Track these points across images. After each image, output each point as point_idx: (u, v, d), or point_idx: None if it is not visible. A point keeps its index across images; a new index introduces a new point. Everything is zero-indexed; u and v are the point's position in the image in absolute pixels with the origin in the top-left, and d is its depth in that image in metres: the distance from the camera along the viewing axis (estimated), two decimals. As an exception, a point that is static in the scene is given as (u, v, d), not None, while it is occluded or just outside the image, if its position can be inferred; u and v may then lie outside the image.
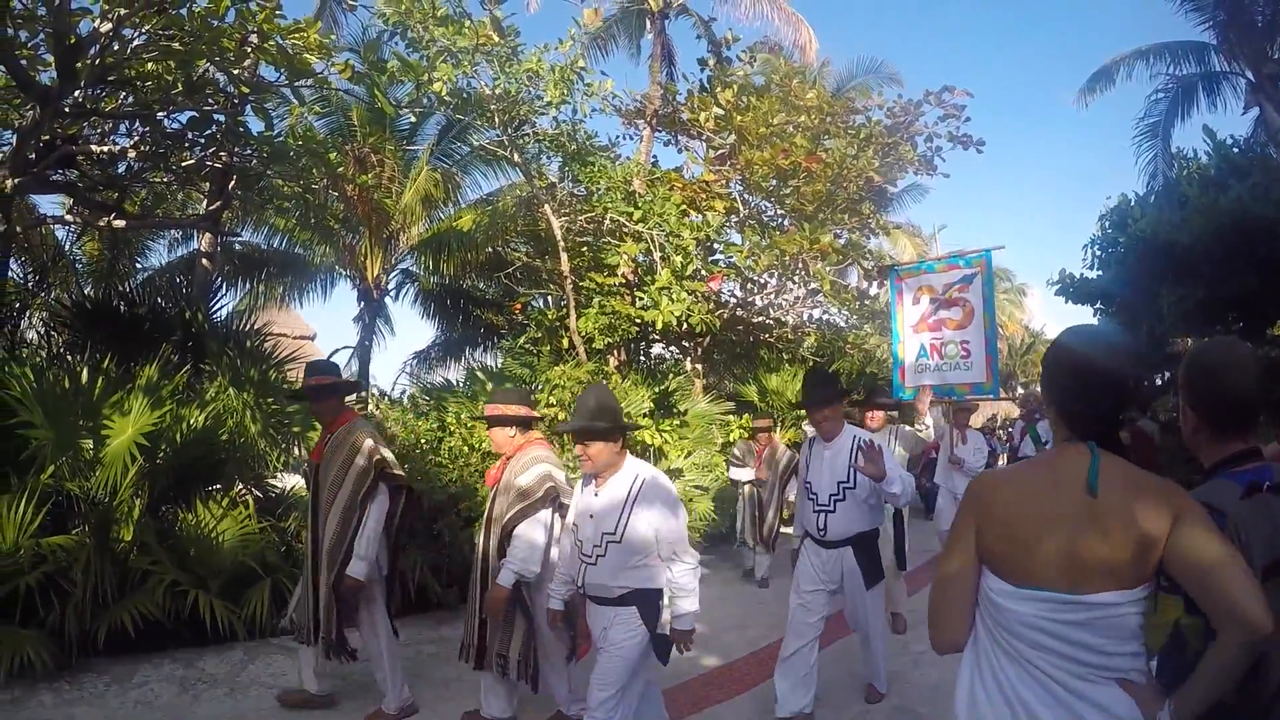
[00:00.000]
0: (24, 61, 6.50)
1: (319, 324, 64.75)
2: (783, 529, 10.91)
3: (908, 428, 8.89)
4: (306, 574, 5.49)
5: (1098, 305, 13.99)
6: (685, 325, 12.33)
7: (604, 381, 11.46)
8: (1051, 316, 65.80)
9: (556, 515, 5.21)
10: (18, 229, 8.71)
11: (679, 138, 15.89)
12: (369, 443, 5.36)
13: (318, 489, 5.43)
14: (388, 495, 5.40)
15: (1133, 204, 12.37)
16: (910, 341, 9.49)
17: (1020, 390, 41.46)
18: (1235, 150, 11.05)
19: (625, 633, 4.25)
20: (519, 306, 15.56)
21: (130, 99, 7.98)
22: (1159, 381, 14.99)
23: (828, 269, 14.62)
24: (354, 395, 6.64)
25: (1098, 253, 13.12)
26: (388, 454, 5.46)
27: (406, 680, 5.69)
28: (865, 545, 5.78)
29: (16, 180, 6.87)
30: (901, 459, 7.87)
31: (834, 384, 6.14)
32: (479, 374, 12.19)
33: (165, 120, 8.08)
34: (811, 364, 14.26)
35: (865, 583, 5.73)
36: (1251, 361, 2.39)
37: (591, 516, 4.35)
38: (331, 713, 5.64)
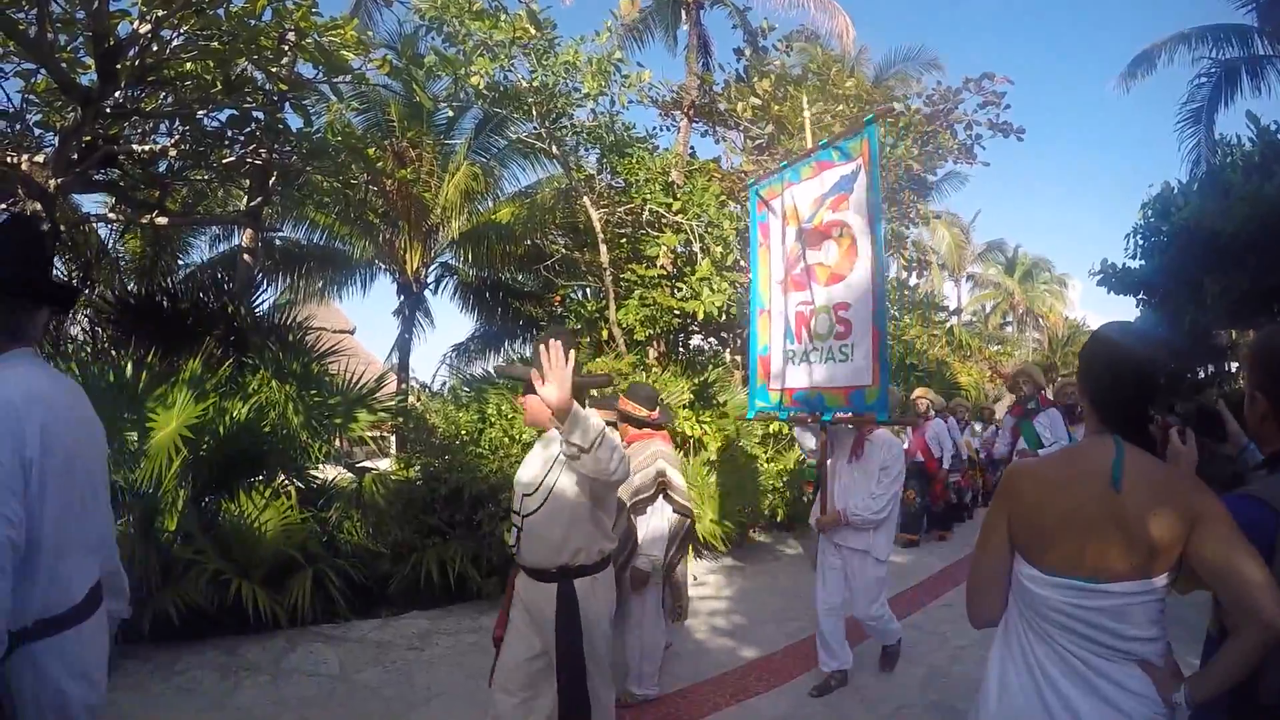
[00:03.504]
0: (65, 64, 6.60)
1: (359, 318, 65.28)
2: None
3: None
4: None
5: (1140, 295, 13.82)
6: (726, 316, 12.31)
7: (643, 373, 11.47)
8: (1093, 307, 65.22)
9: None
10: (61, 228, 8.84)
11: (716, 128, 15.88)
12: None
13: None
14: None
15: (1175, 192, 12.21)
16: (776, 309, 6.52)
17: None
18: (1280, 136, 10.86)
19: None
20: (558, 298, 15.59)
21: (170, 99, 8.09)
22: (1201, 375, 14.77)
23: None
24: None
25: (1140, 242, 12.96)
26: None
27: None
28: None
29: (60, 180, 6.99)
30: (573, 496, 3.83)
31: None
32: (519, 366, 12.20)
33: (205, 119, 8.20)
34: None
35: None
36: None
37: None
38: None
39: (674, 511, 5.63)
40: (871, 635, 6.41)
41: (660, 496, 5.54)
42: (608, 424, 3.71)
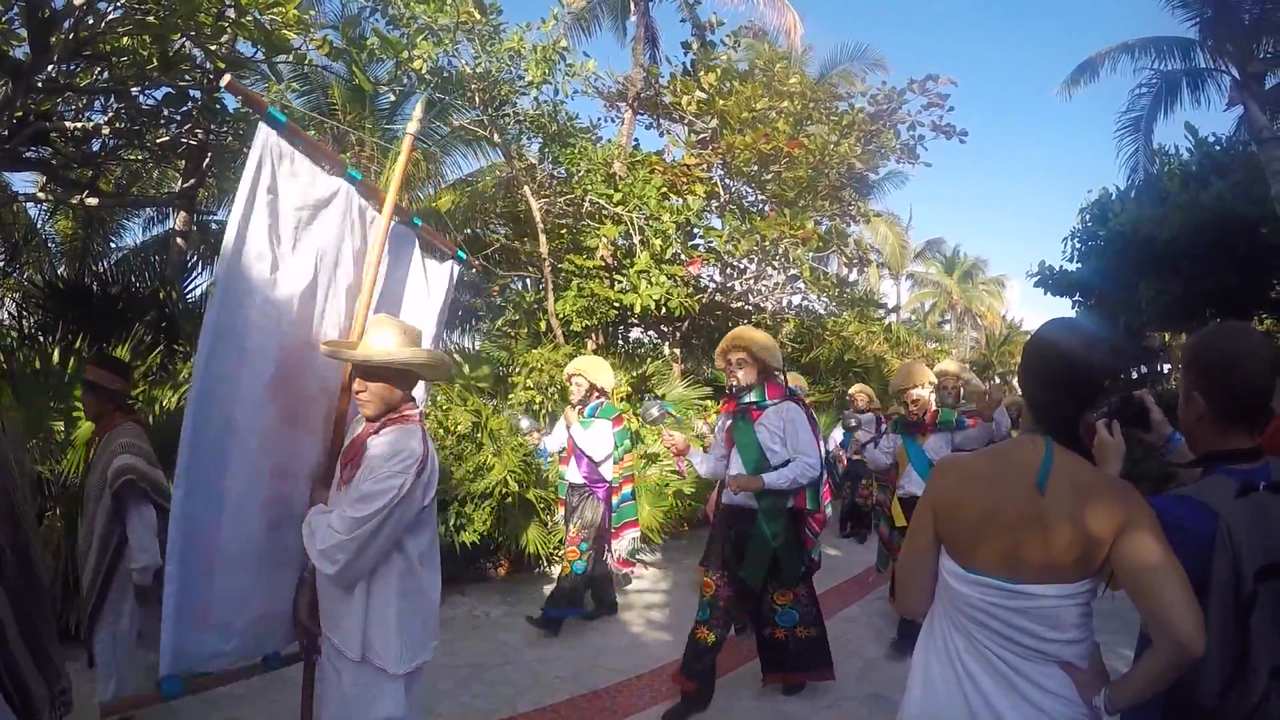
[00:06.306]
0: (-3, 35, 6.40)
1: (295, 302, 64.49)
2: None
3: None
4: None
5: (1076, 297, 14.08)
6: (664, 309, 12.28)
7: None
8: (1030, 308, 66.47)
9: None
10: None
11: (661, 121, 15.82)
12: None
13: None
14: None
15: (1113, 198, 12.43)
16: None
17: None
18: (1217, 148, 11.12)
19: None
20: (497, 289, 15.48)
21: (105, 74, 7.88)
22: (1134, 375, 15.07)
23: (807, 255, 14.62)
24: None
25: (1077, 245, 13.19)
26: None
27: None
28: None
29: (-12, 156, 6.78)
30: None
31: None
32: (455, 356, 12.13)
33: (140, 96, 8.00)
34: None
35: None
36: (1267, 350, 2.31)
37: None
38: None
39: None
40: None
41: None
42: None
